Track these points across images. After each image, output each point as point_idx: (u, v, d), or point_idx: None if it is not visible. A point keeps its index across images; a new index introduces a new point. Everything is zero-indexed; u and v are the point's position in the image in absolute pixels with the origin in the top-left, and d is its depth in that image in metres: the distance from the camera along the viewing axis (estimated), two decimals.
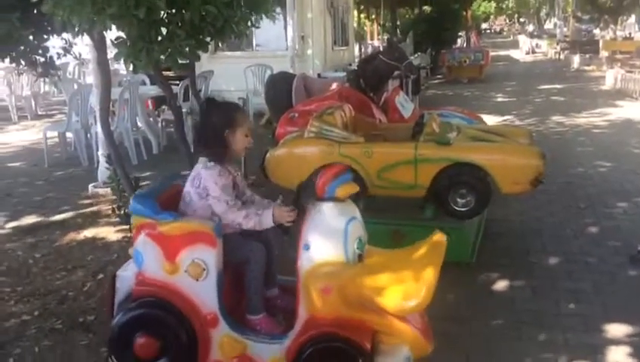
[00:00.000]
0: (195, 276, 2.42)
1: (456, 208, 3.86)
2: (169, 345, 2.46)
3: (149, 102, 8.84)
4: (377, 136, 4.53)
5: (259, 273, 2.53)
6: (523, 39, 32.38)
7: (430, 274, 2.19)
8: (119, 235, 4.62)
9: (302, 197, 2.49)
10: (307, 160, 4.10)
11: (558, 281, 3.69)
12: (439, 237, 2.35)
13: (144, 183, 5.41)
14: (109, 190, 5.73)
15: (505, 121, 9.38)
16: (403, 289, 2.20)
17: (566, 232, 4.51)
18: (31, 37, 4.12)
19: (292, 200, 2.49)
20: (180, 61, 3.39)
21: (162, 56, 3.28)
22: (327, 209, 2.38)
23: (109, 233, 4.77)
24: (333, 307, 2.30)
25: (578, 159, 6.75)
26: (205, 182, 2.50)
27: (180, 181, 2.85)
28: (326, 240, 2.35)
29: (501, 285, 3.67)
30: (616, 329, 3.09)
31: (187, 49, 3.30)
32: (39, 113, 11.72)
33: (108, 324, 2.63)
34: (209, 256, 2.41)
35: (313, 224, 2.39)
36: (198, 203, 2.55)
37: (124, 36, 3.34)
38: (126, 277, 2.59)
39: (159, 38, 3.31)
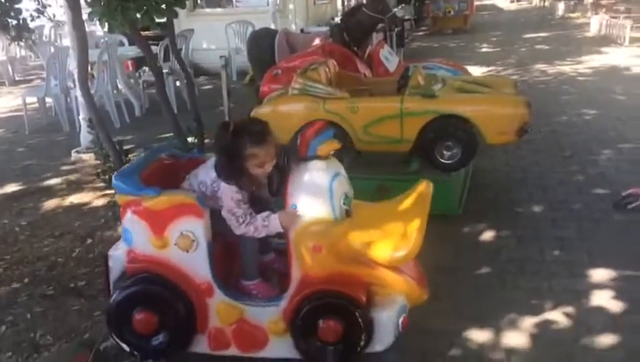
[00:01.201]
0: (185, 248, 2.41)
1: (443, 161, 3.87)
2: (167, 318, 2.46)
3: (129, 63, 8.65)
4: (363, 91, 4.48)
5: (253, 242, 2.52)
6: None
7: (417, 224, 2.21)
8: (105, 200, 4.59)
9: (289, 157, 2.45)
10: (292, 117, 4.05)
11: (542, 229, 3.74)
12: (424, 186, 2.36)
13: (128, 147, 5.36)
14: (92, 155, 5.66)
15: (490, 71, 9.32)
16: (392, 240, 2.22)
17: (551, 181, 4.54)
18: None
19: (280, 160, 2.45)
20: (157, 19, 3.28)
21: (138, 15, 3.17)
22: (311, 167, 2.37)
23: (95, 198, 4.74)
24: (325, 264, 2.31)
25: (562, 107, 6.75)
26: (222, 195, 2.41)
27: (164, 153, 2.82)
28: (312, 198, 2.35)
29: (487, 236, 3.72)
30: (600, 274, 3.15)
31: (164, 6, 3.18)
32: (17, 79, 11.43)
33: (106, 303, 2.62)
34: (197, 226, 2.39)
35: (298, 184, 2.38)
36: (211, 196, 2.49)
37: None
38: (118, 256, 2.56)
39: None
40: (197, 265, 2.44)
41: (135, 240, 2.49)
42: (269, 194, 2.57)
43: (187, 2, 3.80)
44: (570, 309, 2.85)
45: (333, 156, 2.43)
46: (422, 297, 2.38)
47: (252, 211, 2.43)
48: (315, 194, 2.36)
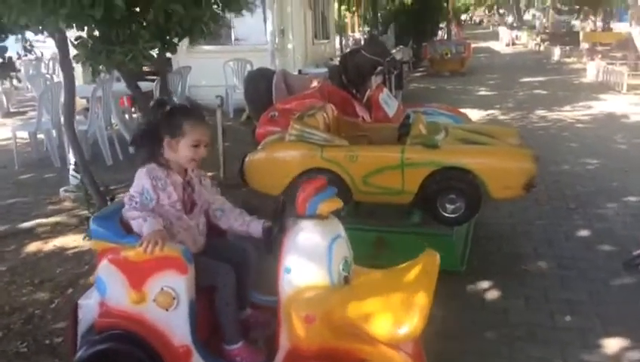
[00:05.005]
0: (165, 306, 2.21)
1: (446, 214, 3.69)
2: None
3: (124, 99, 8.55)
4: (362, 137, 4.34)
5: (230, 298, 2.31)
6: (503, 31, 32.37)
7: (423, 298, 1.99)
8: (89, 244, 4.35)
9: (282, 213, 2.27)
10: (288, 165, 3.89)
11: (551, 290, 3.54)
12: (431, 255, 2.16)
13: (117, 186, 5.17)
14: (81, 194, 5.48)
15: (489, 115, 9.27)
16: (394, 315, 1.98)
17: (557, 235, 4.37)
18: None
19: (271, 214, 2.28)
20: (143, 64, 3.14)
21: (126, 58, 3.02)
22: (309, 227, 2.17)
23: (80, 242, 4.51)
24: (318, 336, 2.09)
25: (564, 156, 6.64)
26: (135, 178, 2.32)
27: None
28: (308, 261, 2.14)
29: (492, 295, 3.52)
30: (614, 345, 2.94)
31: (153, 51, 3.04)
32: (11, 110, 11.30)
33: (70, 358, 2.41)
34: (179, 283, 2.19)
35: (294, 244, 2.18)
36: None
37: (85, 36, 3.08)
38: (89, 306, 2.36)
39: (121, 39, 3.04)
40: (176, 325, 2.23)
41: (109, 291, 2.29)
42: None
43: (186, 39, 3.64)
44: None
45: (332, 215, 2.25)
46: None
47: (153, 212, 2.27)
48: (311, 257, 2.15)
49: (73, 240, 4.57)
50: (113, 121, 7.69)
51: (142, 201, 2.29)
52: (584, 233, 4.41)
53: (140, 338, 2.22)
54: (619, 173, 5.86)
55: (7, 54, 4.03)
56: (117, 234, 2.25)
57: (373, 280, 2.24)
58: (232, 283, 2.33)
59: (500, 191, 3.61)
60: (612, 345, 2.95)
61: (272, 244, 2.28)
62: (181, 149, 2.34)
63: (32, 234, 4.79)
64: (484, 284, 3.62)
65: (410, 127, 3.96)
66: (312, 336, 2.10)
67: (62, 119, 6.90)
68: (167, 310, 2.21)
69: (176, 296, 2.19)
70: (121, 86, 8.36)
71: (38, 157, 7.34)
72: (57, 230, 4.85)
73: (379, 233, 3.80)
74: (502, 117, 9.21)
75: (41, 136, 7.49)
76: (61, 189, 5.79)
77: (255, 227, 2.44)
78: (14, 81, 4.99)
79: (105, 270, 2.27)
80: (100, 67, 3.00)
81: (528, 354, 2.90)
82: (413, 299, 1.99)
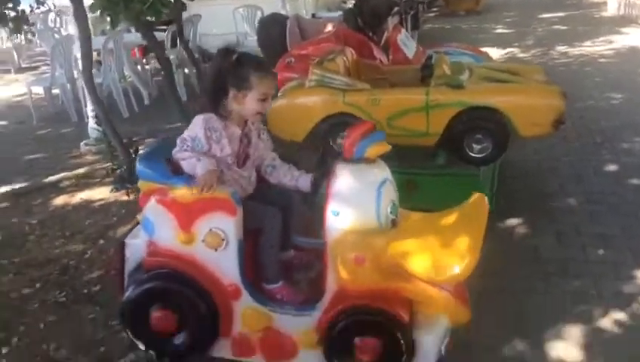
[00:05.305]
0: (214, 246, 2.22)
1: (473, 154, 3.64)
2: (188, 319, 2.30)
3: (136, 50, 8.43)
4: (382, 80, 4.25)
5: (275, 241, 2.34)
6: None
7: (473, 240, 1.97)
8: (116, 196, 4.40)
9: (326, 163, 2.25)
10: (310, 111, 3.84)
11: (582, 226, 3.52)
12: (480, 197, 2.13)
13: (136, 138, 5.15)
14: (102, 147, 5.48)
15: (508, 53, 9.02)
16: (444, 256, 1.97)
17: (585, 171, 4.31)
18: None
19: (316, 161, 2.27)
20: (162, 12, 3.04)
21: (144, 7, 2.92)
22: (357, 171, 2.15)
23: (106, 194, 4.54)
24: (367, 277, 2.10)
25: (588, 91, 6.48)
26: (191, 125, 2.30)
27: None
28: (357, 205, 2.13)
29: (523, 232, 3.51)
30: None
31: None
32: (23, 66, 11.21)
33: (118, 296, 2.46)
34: (228, 225, 2.20)
35: (342, 188, 2.15)
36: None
37: None
38: (136, 245, 2.38)
39: None
40: (225, 265, 2.26)
41: (157, 231, 2.30)
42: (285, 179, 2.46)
43: None
44: (621, 316, 2.65)
45: (379, 159, 2.21)
46: (465, 317, 2.19)
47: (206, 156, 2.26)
48: (360, 201, 2.14)
49: (99, 193, 4.60)
50: (126, 72, 7.61)
51: (193, 147, 2.28)
52: (612, 168, 4.35)
53: (189, 278, 2.24)
54: None
55: (20, 7, 3.94)
56: (163, 175, 2.24)
57: (420, 222, 2.23)
58: (279, 226, 2.35)
59: (529, 128, 3.54)
60: None
61: (318, 195, 2.28)
62: (248, 102, 2.30)
63: (57, 188, 4.84)
64: (514, 222, 3.61)
65: (433, 68, 3.86)
66: (361, 277, 2.10)
67: (75, 73, 6.89)
68: (216, 250, 2.23)
69: (225, 237, 2.20)
70: (131, 37, 8.24)
71: (54, 112, 7.33)
72: (82, 183, 4.88)
73: (408, 175, 3.76)
74: (521, 55, 8.96)
75: (55, 90, 7.45)
76: (82, 143, 5.81)
77: (304, 181, 2.45)
78: (28, 35, 4.90)
79: (152, 210, 2.27)
80: (120, 16, 2.90)
81: (563, 288, 2.91)
82: (463, 240, 1.98)
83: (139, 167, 2.32)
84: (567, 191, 4.02)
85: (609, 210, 3.70)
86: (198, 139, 2.27)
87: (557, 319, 2.66)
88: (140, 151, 2.53)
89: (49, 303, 3.14)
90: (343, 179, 2.15)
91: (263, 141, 2.51)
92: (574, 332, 2.57)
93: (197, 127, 2.28)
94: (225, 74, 2.29)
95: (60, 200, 4.59)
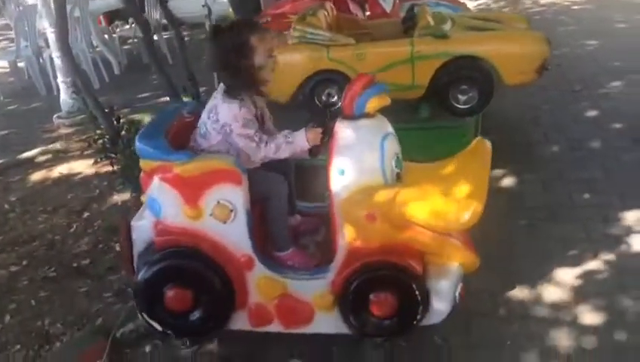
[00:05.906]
0: (222, 218, 2.17)
1: (459, 106, 3.65)
2: (203, 295, 2.27)
3: (101, 18, 8.16)
4: (364, 35, 4.19)
5: (283, 208, 2.32)
6: None
7: (478, 185, 1.98)
8: (97, 168, 4.30)
9: (329, 123, 2.19)
10: (293, 69, 3.78)
11: (565, 172, 3.57)
12: (482, 142, 2.12)
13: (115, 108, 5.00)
14: (76, 119, 5.34)
15: (480, 4, 8.96)
16: (454, 205, 1.97)
17: (565, 119, 4.35)
18: None
19: (319, 121, 2.21)
20: None
21: None
22: (359, 127, 2.10)
23: (85, 167, 4.45)
24: (378, 234, 2.08)
25: (563, 39, 6.48)
26: (224, 118, 2.17)
27: (184, 111, 2.52)
28: (362, 161, 2.09)
29: (509, 182, 3.54)
30: (634, 216, 3.00)
31: None
32: None
33: (129, 279, 2.44)
34: (235, 195, 2.14)
35: (345, 146, 2.11)
36: (215, 137, 2.24)
37: None
38: (143, 226, 2.31)
39: None
40: (235, 236, 2.21)
41: (164, 210, 2.24)
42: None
43: None
44: (611, 257, 2.71)
45: (380, 113, 2.16)
46: (475, 263, 2.20)
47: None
48: (365, 157, 2.10)
49: (78, 166, 4.51)
50: (94, 42, 7.37)
51: (256, 131, 2.19)
52: (592, 113, 4.40)
53: (201, 253, 2.21)
54: (620, 52, 5.76)
55: None
56: (166, 152, 2.16)
57: (424, 173, 2.22)
58: (285, 192, 2.32)
59: (514, 76, 3.55)
60: (631, 217, 3.01)
61: (316, 150, 2.24)
62: (261, 64, 2.18)
63: (34, 164, 4.72)
64: (499, 173, 3.61)
65: (415, 19, 3.82)
66: (374, 234, 2.09)
67: (40, 43, 6.64)
68: (225, 223, 2.18)
69: (233, 208, 2.16)
70: (95, 5, 7.95)
71: (21, 86, 7.10)
72: (59, 157, 4.77)
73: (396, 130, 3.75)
74: (494, 5, 8.91)
75: (21, 64, 7.19)
76: (54, 116, 5.64)
77: (301, 140, 2.34)
78: None
79: (157, 189, 2.21)
80: None
81: (553, 233, 2.95)
82: (470, 187, 1.99)
83: (139, 145, 2.23)
84: (549, 139, 4.05)
85: (591, 155, 3.75)
86: (248, 119, 2.18)
87: (548, 263, 2.70)
88: (140, 130, 2.42)
89: (38, 279, 3.08)
90: (345, 137, 2.11)
91: (270, 120, 2.45)
92: (566, 276, 2.62)
93: (234, 111, 2.16)
94: (227, 52, 2.17)
95: (38, 176, 4.47)
